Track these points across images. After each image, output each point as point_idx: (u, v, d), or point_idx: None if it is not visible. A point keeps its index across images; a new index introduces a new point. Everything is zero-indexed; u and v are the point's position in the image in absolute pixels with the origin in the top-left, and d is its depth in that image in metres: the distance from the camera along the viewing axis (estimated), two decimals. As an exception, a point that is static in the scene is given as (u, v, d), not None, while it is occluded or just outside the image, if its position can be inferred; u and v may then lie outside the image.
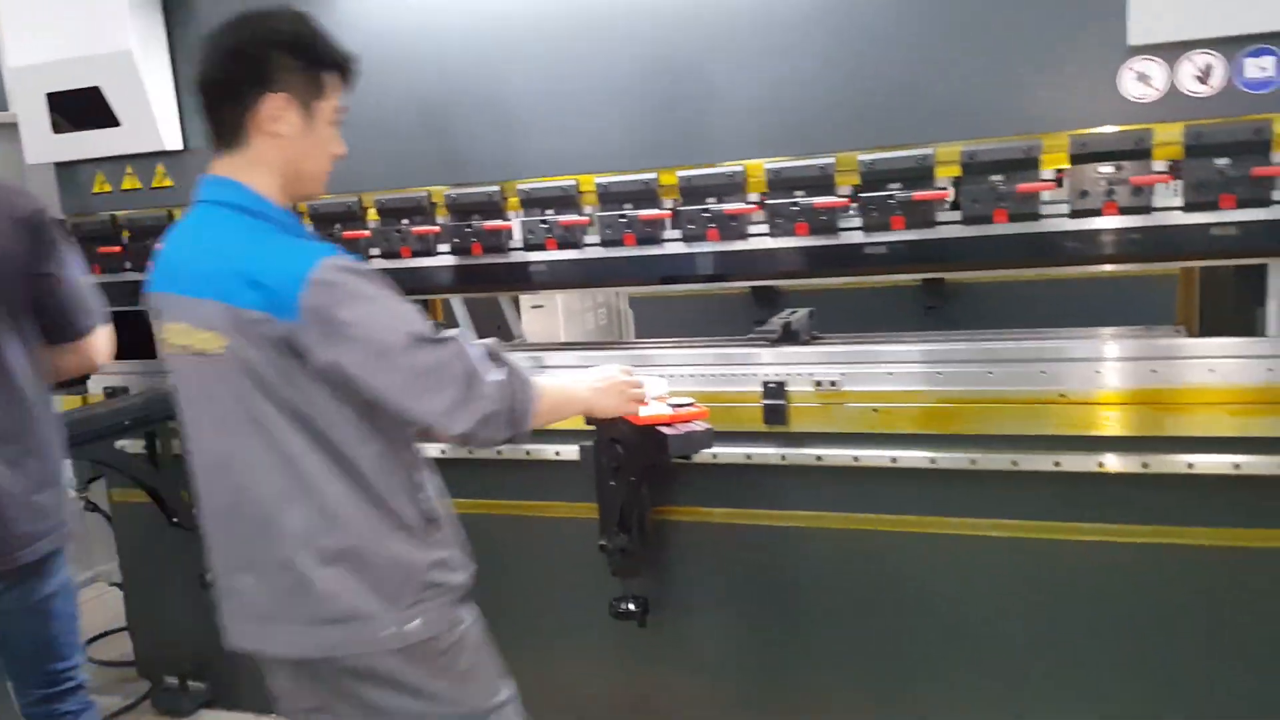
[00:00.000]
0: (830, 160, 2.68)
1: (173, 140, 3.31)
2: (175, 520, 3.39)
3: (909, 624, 2.86)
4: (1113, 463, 2.57)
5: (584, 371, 2.29)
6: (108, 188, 3.46)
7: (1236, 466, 2.48)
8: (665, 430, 2.41)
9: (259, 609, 1.95)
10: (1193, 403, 2.51)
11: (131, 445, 3.43)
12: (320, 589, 1.90)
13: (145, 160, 3.39)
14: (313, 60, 1.89)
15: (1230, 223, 2.43)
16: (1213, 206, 2.42)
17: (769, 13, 2.68)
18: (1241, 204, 2.40)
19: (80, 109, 3.29)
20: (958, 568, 2.78)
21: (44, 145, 3.40)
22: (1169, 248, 2.49)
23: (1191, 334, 2.93)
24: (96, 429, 3.12)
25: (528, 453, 3.08)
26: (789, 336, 3.06)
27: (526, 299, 5.57)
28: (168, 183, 3.38)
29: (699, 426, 2.42)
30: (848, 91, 2.66)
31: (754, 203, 2.79)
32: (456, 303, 4.77)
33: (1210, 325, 3.01)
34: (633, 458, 2.70)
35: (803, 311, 3.30)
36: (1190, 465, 2.52)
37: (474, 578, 2.06)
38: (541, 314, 5.88)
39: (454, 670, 2.01)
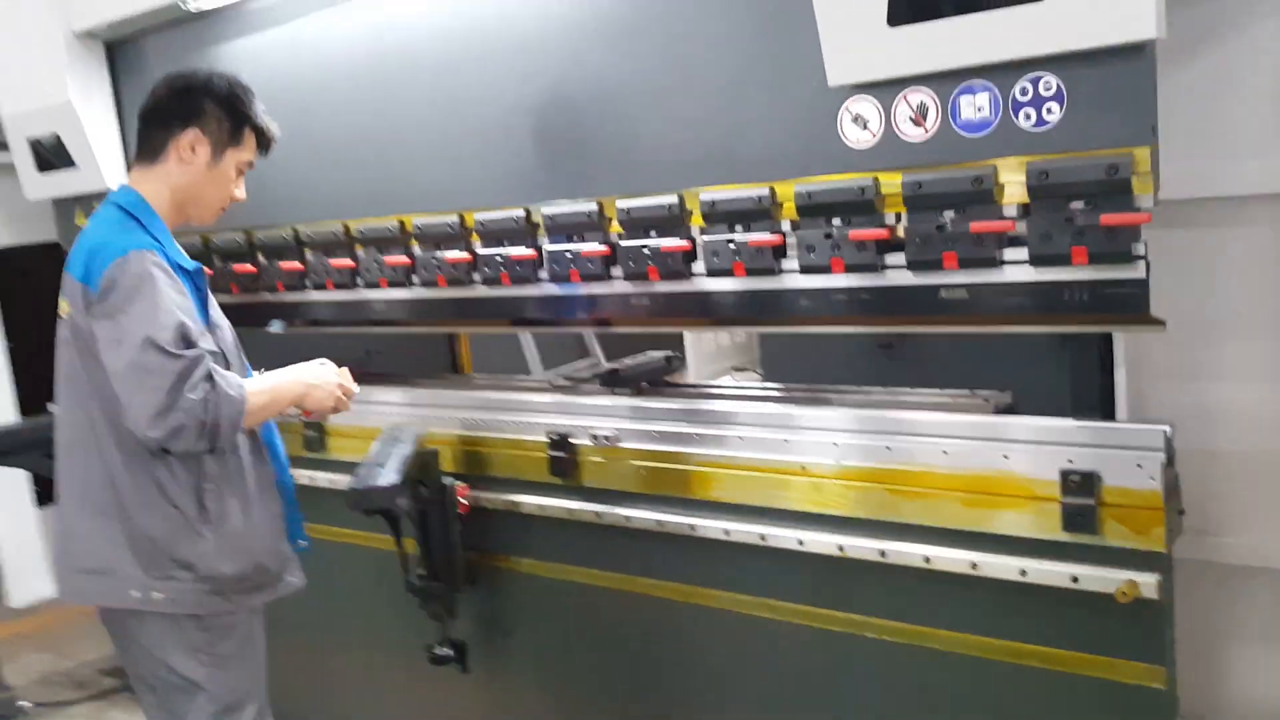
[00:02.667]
0: (590, 207, 2.56)
1: (115, 181, 3.64)
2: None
3: (672, 686, 2.69)
4: (852, 547, 2.29)
5: (302, 366, 2.36)
6: (84, 221, 3.85)
7: (974, 566, 2.15)
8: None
9: (52, 554, 2.36)
10: (927, 488, 2.19)
11: None
12: (81, 538, 2.22)
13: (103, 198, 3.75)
14: (235, 116, 2.30)
15: (959, 286, 2.10)
16: (934, 267, 2.10)
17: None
18: (968, 264, 2.07)
19: (48, 152, 3.70)
20: (711, 637, 2.58)
21: (33, 184, 3.84)
22: (900, 309, 2.19)
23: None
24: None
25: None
26: (616, 382, 2.95)
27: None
28: (125, 217, 3.72)
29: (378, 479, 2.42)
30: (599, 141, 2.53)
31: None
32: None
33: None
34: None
35: (659, 355, 3.17)
36: (927, 559, 2.20)
37: (279, 582, 2.36)
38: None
39: (213, 653, 2.25)
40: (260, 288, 3.37)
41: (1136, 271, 1.92)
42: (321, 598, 3.38)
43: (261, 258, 3.35)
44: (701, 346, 4.88)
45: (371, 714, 3.44)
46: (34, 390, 4.34)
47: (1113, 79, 1.88)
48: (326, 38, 3.08)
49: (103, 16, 3.44)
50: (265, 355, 2.95)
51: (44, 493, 4.47)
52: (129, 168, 2.41)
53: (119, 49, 3.61)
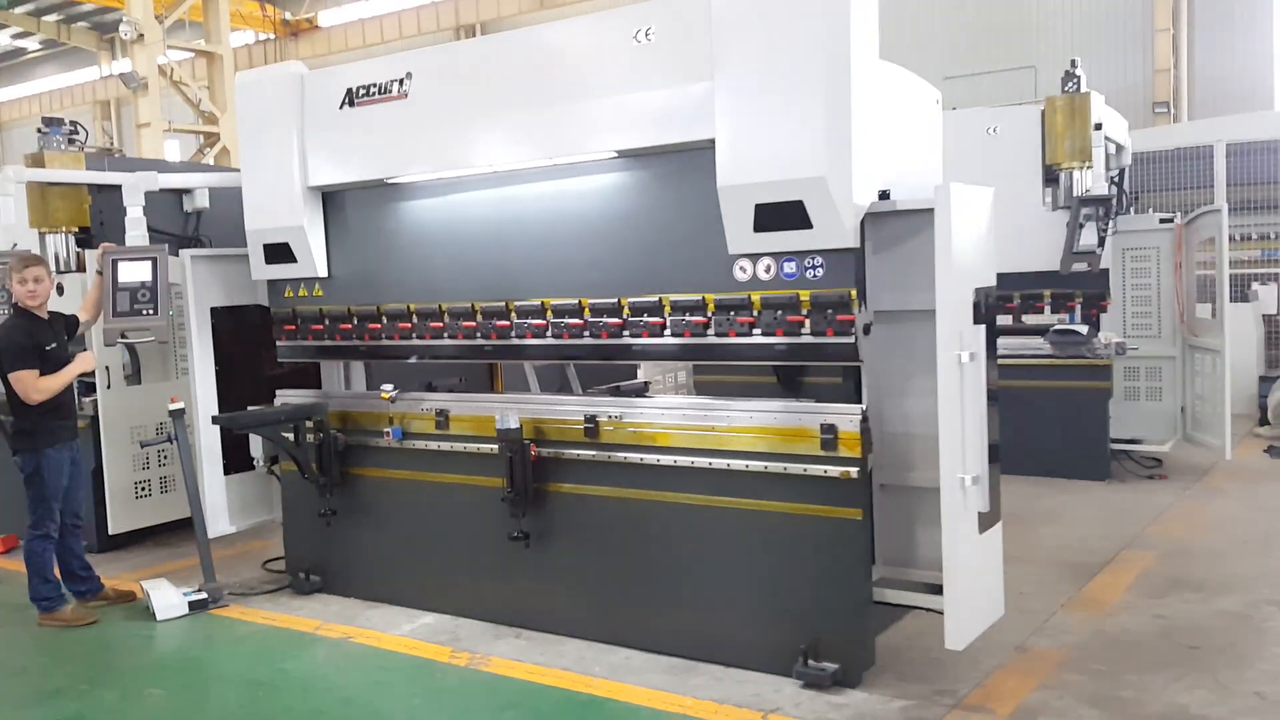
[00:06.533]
0: (615, 300, 5.22)
1: (323, 270, 6.22)
2: (306, 476, 6.25)
3: (649, 550, 5.29)
4: (735, 465, 4.95)
5: None
6: (290, 293, 6.42)
7: (785, 468, 4.81)
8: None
9: None
10: (766, 434, 4.86)
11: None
12: None
13: (310, 281, 6.32)
14: None
15: (782, 343, 4.80)
16: (773, 334, 4.80)
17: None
18: (786, 333, 4.77)
19: (276, 253, 6.26)
20: (659, 516, 5.21)
21: (259, 270, 6.41)
22: (758, 355, 4.88)
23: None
24: (265, 420, 6.03)
25: (466, 447, 5.73)
26: (618, 392, 5.60)
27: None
28: (319, 292, 6.30)
29: (511, 424, 5.05)
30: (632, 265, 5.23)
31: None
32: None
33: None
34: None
35: (640, 381, 5.84)
36: (765, 467, 4.86)
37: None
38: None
39: None
40: (413, 336, 5.94)
41: (851, 339, 4.64)
42: (449, 511, 5.95)
43: (415, 319, 5.93)
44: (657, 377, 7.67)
45: (476, 571, 5.92)
46: (240, 391, 6.82)
47: (842, 261, 4.62)
48: (452, 206, 5.74)
49: (327, 180, 6.08)
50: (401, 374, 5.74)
51: (230, 463, 6.90)
52: None
53: (330, 196, 6.22)
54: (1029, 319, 9.41)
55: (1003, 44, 19.11)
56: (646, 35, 4.87)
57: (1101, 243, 8.53)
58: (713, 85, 4.67)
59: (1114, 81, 17.80)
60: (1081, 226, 8.50)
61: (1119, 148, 9.72)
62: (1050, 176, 8.89)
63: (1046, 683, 4.84)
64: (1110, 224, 8.68)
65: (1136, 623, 5.57)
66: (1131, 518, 7.76)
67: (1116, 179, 9.85)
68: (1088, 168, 8.66)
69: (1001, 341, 8.98)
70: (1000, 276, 8.87)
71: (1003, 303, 9.41)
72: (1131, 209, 10.19)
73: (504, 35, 5.55)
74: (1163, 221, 9.45)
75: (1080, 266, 8.57)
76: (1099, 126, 8.58)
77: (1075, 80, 8.73)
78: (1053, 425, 9.01)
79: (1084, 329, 9.03)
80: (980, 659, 5.06)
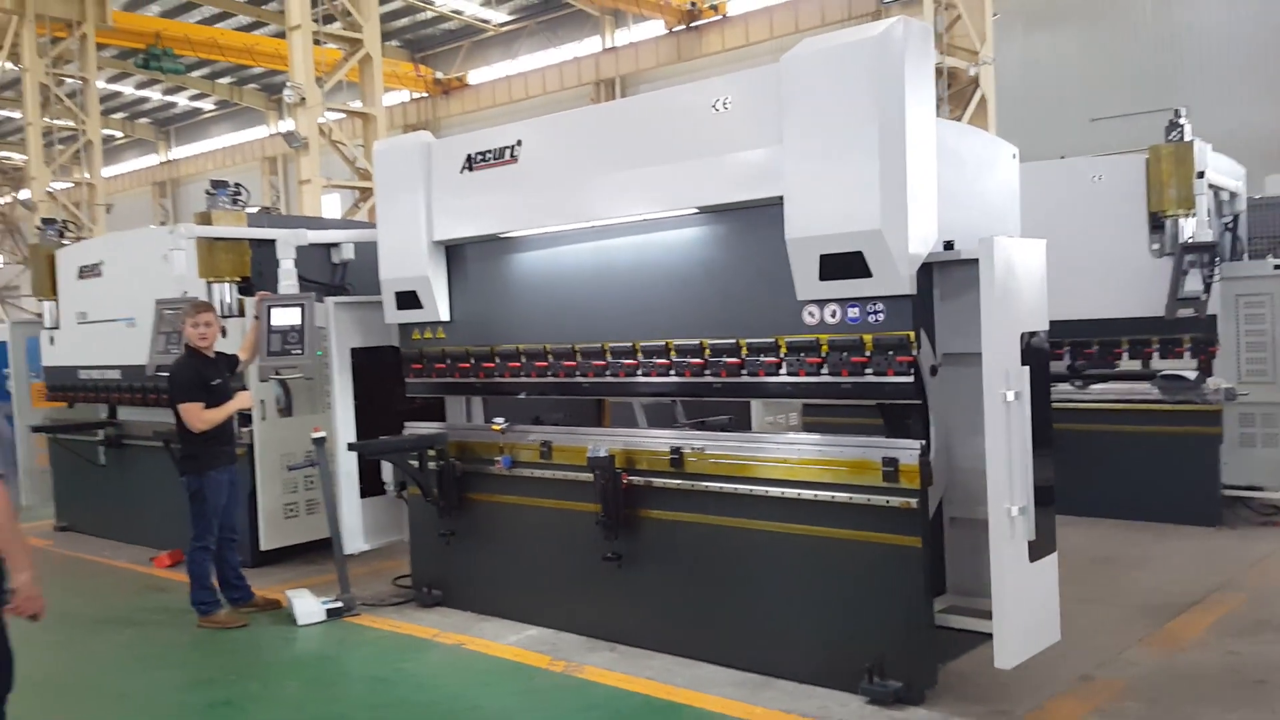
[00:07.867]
0: (697, 342, 5.73)
1: (446, 315, 6.93)
2: (428, 499, 6.92)
3: (729, 573, 5.73)
4: (798, 494, 5.37)
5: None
6: (417, 335, 7.15)
7: (850, 498, 5.21)
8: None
9: None
10: (840, 465, 5.27)
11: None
12: None
13: (434, 325, 7.04)
14: None
15: (847, 382, 5.22)
16: (839, 374, 5.23)
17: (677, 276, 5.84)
18: (851, 374, 5.19)
19: (406, 299, 7.00)
20: (744, 541, 5.64)
21: (392, 315, 7.16)
22: (825, 393, 5.31)
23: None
24: (393, 448, 6.74)
25: (566, 475, 6.29)
26: (701, 426, 6.10)
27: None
28: (441, 334, 7.01)
29: (602, 453, 5.59)
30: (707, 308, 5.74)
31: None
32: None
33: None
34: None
35: (723, 417, 6.32)
36: (833, 497, 5.27)
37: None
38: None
39: None
40: (521, 374, 6.58)
41: (910, 379, 5.02)
42: (552, 533, 6.52)
43: (523, 359, 6.56)
44: (760, 415, 8.18)
45: (575, 588, 6.48)
46: (375, 423, 7.56)
47: (900, 307, 5.03)
48: (555, 257, 6.35)
49: (449, 235, 6.80)
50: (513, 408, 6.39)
51: (366, 488, 7.66)
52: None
53: (452, 249, 6.94)
54: (1156, 364, 9.42)
55: (1153, 86, 18.83)
56: (725, 104, 5.41)
57: (1207, 289, 8.60)
58: (781, 148, 5.16)
59: (1268, 124, 17.43)
60: (1185, 273, 8.59)
61: (1232, 195, 9.75)
62: (1156, 223, 9.01)
63: (1101, 708, 5.07)
64: (1215, 270, 8.73)
65: (1208, 659, 5.71)
66: (1231, 562, 7.77)
67: (1231, 225, 9.87)
68: (1192, 215, 8.76)
69: (1109, 387, 9.26)
70: (1108, 321, 9.14)
71: (1111, 348, 9.52)
72: (1245, 255, 10.15)
73: (599, 107, 6.24)
74: (1276, 268, 9.40)
75: (1186, 312, 8.64)
76: (1201, 175, 8.68)
77: (1179, 129, 8.86)
78: (1161, 470, 9.05)
79: (1192, 374, 9.05)
80: (1043, 684, 5.32)
